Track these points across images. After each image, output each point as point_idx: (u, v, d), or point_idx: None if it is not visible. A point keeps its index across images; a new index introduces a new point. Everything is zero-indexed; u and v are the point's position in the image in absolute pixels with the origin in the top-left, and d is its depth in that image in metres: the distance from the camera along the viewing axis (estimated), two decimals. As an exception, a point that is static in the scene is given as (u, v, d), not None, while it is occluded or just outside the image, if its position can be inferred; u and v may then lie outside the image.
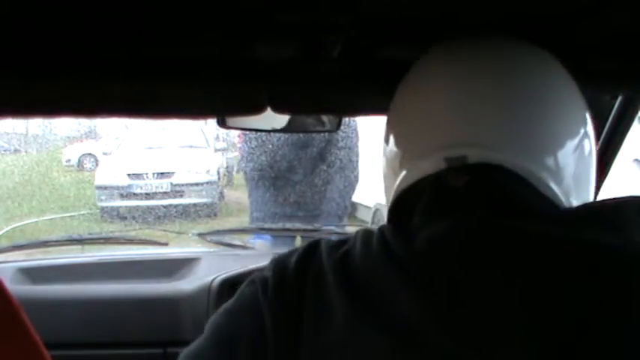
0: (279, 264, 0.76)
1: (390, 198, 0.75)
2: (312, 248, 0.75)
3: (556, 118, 0.71)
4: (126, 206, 6.92)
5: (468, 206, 0.68)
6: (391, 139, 0.76)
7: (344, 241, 0.74)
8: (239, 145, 3.49)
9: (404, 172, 0.72)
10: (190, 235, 2.09)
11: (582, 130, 0.73)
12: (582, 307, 0.60)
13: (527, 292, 0.62)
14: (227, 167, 8.07)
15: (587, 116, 0.75)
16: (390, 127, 0.77)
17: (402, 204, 0.73)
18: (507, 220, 0.65)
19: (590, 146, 0.74)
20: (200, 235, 2.06)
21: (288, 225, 2.55)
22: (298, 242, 2.66)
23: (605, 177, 1.36)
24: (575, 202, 0.71)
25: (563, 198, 0.69)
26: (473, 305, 0.63)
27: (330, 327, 0.68)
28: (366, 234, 0.73)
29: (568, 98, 0.74)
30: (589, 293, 0.61)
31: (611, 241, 0.63)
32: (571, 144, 0.72)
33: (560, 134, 0.71)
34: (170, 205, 6.85)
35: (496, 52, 0.73)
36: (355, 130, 3.36)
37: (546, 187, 0.68)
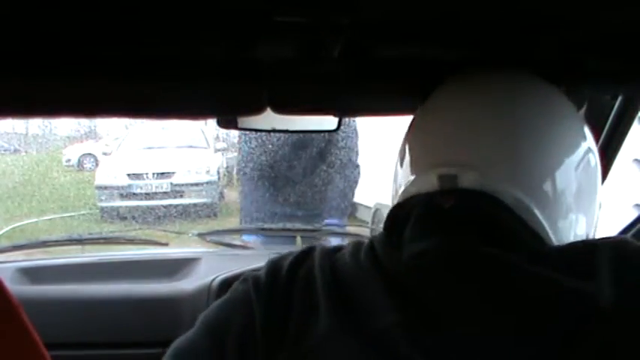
0: (273, 265, 0.78)
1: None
2: (306, 253, 0.77)
3: (550, 150, 0.74)
4: (126, 206, 6.92)
5: (454, 228, 0.71)
6: (399, 157, 0.82)
7: (338, 248, 0.77)
8: (239, 146, 3.49)
9: (402, 187, 0.78)
10: (190, 235, 2.09)
11: (580, 163, 0.75)
12: (541, 345, 0.62)
13: (495, 320, 0.65)
14: (227, 167, 8.07)
15: (589, 147, 0.77)
16: (400, 147, 0.83)
17: (396, 217, 0.77)
18: (489, 249, 0.68)
19: (590, 179, 0.76)
20: (200, 235, 2.07)
21: (288, 225, 2.55)
22: (298, 242, 2.66)
23: (605, 177, 1.36)
24: (561, 230, 0.72)
25: (547, 225, 0.71)
26: (446, 327, 0.66)
27: (312, 332, 0.69)
28: (357, 244, 0.75)
29: (567, 132, 0.76)
30: (550, 333, 0.63)
31: (578, 287, 0.64)
32: (565, 176, 0.74)
33: (554, 165, 0.74)
34: (170, 205, 6.85)
35: (499, 84, 0.79)
36: (355, 130, 3.36)
37: (532, 215, 0.70)
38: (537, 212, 0.71)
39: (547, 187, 0.72)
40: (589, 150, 0.77)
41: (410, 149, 0.80)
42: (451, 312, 0.66)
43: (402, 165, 0.81)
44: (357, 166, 3.40)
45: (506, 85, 0.79)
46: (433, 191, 0.73)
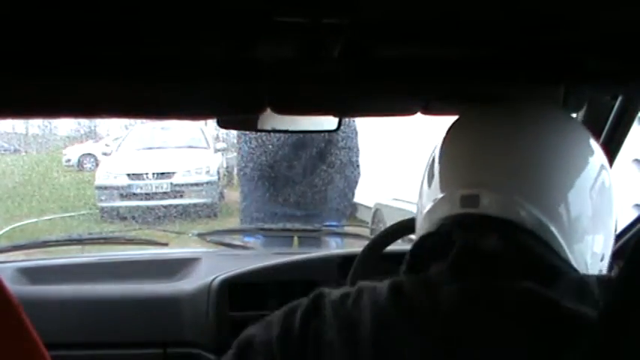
0: (286, 319, 0.78)
1: (419, 231, 0.84)
2: (316, 304, 0.77)
3: (567, 174, 0.78)
4: (126, 206, 6.92)
5: (495, 270, 0.72)
6: (426, 178, 0.86)
7: (347, 295, 0.77)
8: (239, 146, 3.48)
9: (427, 207, 0.81)
10: (190, 235, 2.09)
11: (594, 185, 0.79)
12: None
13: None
14: (227, 167, 8.06)
15: (604, 168, 0.82)
16: (428, 169, 0.86)
17: (422, 249, 0.80)
18: (527, 283, 0.70)
19: (605, 200, 0.80)
20: (200, 235, 2.07)
21: (288, 225, 2.55)
22: (295, 243, 2.66)
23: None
24: (578, 250, 0.76)
25: (566, 246, 0.74)
26: None
27: None
28: (373, 288, 0.75)
29: (582, 156, 0.80)
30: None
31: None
32: (581, 199, 0.77)
33: (571, 189, 0.77)
34: (170, 206, 6.84)
35: (518, 112, 0.84)
36: (355, 130, 3.36)
37: (553, 237, 0.74)
38: (557, 234, 0.74)
39: (565, 209, 0.76)
40: (603, 170, 0.81)
41: (436, 171, 0.84)
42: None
43: (429, 185, 0.84)
44: (358, 166, 3.40)
45: (525, 112, 0.84)
46: (456, 213, 0.77)
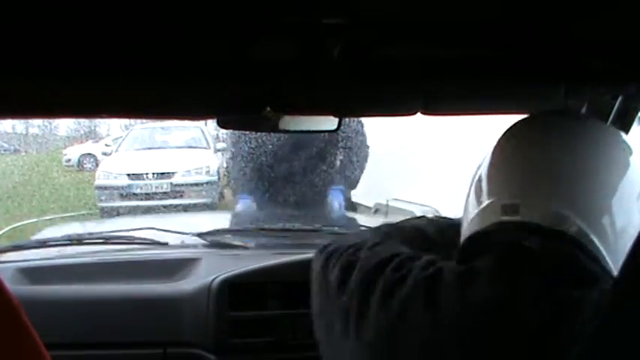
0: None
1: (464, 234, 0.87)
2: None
3: (609, 186, 0.80)
4: (126, 206, 6.91)
5: (537, 269, 0.74)
6: (473, 187, 0.89)
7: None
8: (239, 146, 3.48)
9: (472, 214, 0.85)
10: (190, 235, 2.08)
11: (632, 196, 0.80)
12: None
13: None
14: (227, 167, 8.05)
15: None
16: (475, 179, 0.90)
17: (470, 245, 0.84)
18: (564, 289, 0.71)
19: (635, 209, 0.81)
20: (200, 235, 2.06)
21: (288, 225, 2.55)
22: (295, 244, 2.65)
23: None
24: (618, 255, 0.76)
25: (605, 252, 0.76)
26: None
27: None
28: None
29: (625, 167, 0.82)
30: None
31: None
32: (623, 211, 0.79)
33: (613, 199, 0.79)
34: (170, 205, 6.84)
35: (560, 126, 0.86)
36: (355, 130, 3.36)
37: (592, 244, 0.76)
38: (597, 241, 0.76)
39: (608, 220, 0.78)
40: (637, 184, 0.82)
41: (481, 181, 0.87)
42: None
43: (475, 195, 0.88)
44: (368, 146, 3.44)
45: (567, 125, 0.87)
46: (497, 221, 0.80)
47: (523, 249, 0.75)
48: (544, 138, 0.85)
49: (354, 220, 3.15)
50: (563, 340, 0.67)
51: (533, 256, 0.75)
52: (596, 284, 0.71)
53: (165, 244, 2.00)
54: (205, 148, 7.84)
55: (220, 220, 2.98)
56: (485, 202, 0.83)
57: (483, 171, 0.88)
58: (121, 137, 8.19)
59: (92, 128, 9.21)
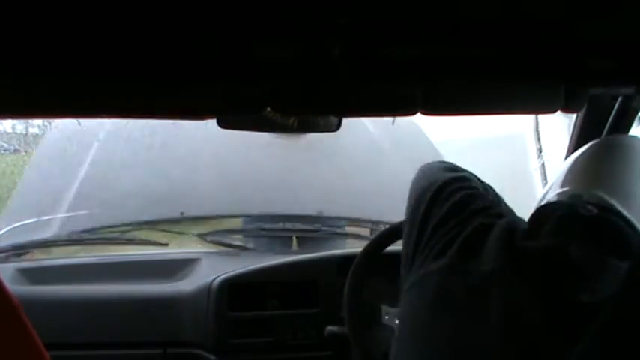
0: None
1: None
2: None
3: None
4: (126, 206, 6.90)
5: (590, 233, 0.84)
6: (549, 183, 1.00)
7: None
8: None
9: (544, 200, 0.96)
10: (190, 235, 2.08)
11: None
12: None
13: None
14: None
15: None
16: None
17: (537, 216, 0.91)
18: (609, 257, 0.81)
19: None
20: (200, 235, 2.06)
21: (288, 225, 2.55)
22: (295, 243, 2.65)
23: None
24: None
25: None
26: None
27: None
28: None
29: None
30: None
31: None
32: None
33: None
34: (170, 206, 6.82)
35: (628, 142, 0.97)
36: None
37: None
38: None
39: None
40: None
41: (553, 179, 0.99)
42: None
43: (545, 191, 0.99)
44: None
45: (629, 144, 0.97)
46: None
47: (579, 214, 0.86)
48: (610, 156, 0.96)
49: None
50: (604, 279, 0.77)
51: (586, 220, 0.85)
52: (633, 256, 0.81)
53: (165, 244, 2.01)
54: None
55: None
56: (554, 192, 0.94)
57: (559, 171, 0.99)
58: (120, 137, 8.18)
59: (92, 128, 9.20)
